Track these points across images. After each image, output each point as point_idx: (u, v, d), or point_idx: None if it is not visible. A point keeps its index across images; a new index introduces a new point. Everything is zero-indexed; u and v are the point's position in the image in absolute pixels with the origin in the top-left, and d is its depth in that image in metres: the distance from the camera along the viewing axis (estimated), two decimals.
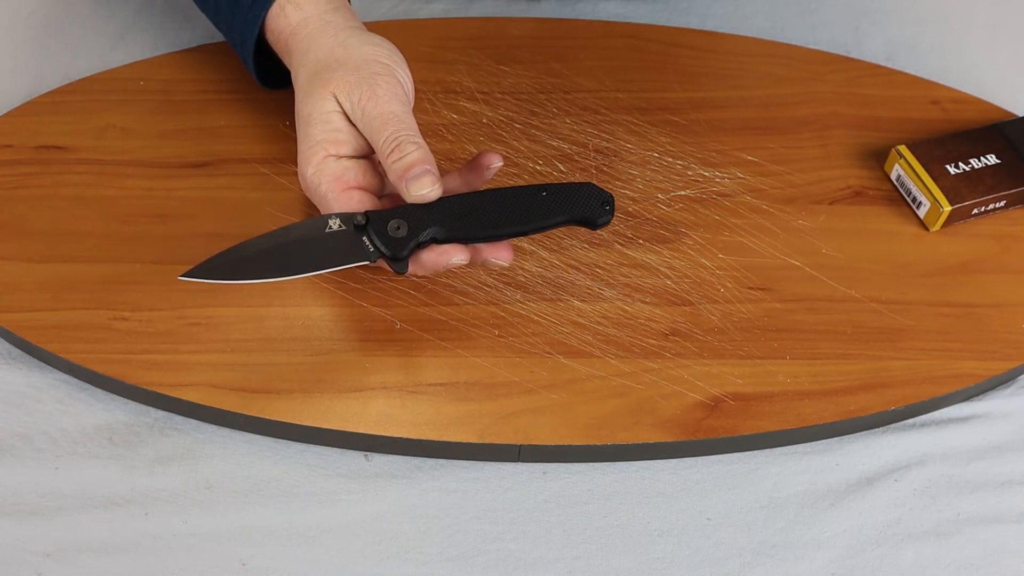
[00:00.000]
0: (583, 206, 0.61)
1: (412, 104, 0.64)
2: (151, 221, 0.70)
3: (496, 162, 0.64)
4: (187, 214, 0.70)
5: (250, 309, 0.66)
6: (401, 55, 0.65)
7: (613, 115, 0.77)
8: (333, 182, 0.62)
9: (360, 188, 0.62)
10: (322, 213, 0.63)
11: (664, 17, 0.87)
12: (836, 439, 0.65)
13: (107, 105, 0.76)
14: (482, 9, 0.87)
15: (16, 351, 0.67)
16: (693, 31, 0.84)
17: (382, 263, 0.61)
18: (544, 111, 0.77)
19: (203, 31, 0.82)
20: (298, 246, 0.60)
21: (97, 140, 0.74)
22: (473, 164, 0.64)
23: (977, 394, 0.68)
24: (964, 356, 0.67)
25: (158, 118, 0.75)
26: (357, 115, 0.62)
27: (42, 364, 0.66)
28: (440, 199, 0.60)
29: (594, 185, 0.62)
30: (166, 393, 0.63)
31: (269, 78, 0.72)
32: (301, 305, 0.66)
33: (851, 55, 0.84)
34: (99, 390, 0.65)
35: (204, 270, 0.60)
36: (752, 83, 0.80)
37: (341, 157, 0.62)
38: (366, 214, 0.60)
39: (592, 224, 0.62)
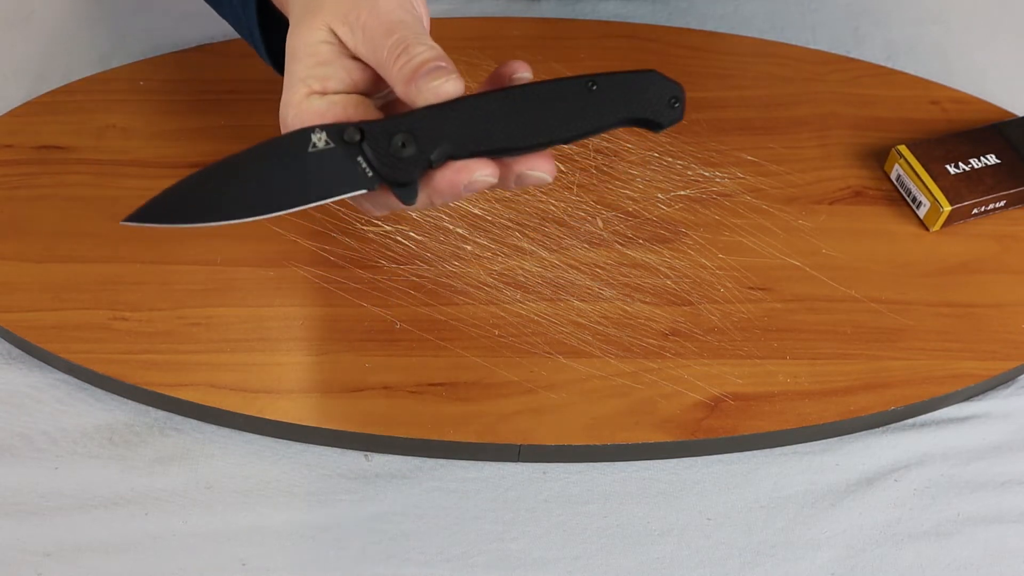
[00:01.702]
0: (644, 102, 0.50)
1: (427, 29, 0.53)
2: None
3: (522, 71, 0.52)
4: None
5: (250, 309, 0.66)
6: None
7: None
8: (316, 120, 0.49)
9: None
10: None
11: (664, 17, 0.87)
12: (836, 439, 0.65)
13: (107, 105, 0.76)
14: (482, 9, 0.87)
15: (16, 351, 0.67)
16: (693, 31, 0.84)
17: (385, 192, 0.49)
18: None
19: (203, 31, 0.82)
20: (273, 173, 0.48)
21: (97, 140, 0.74)
22: (495, 77, 0.53)
23: (977, 394, 0.68)
24: (964, 356, 0.67)
25: (158, 118, 0.75)
26: (358, 38, 0.50)
27: (42, 364, 0.66)
28: (456, 102, 0.48)
29: (658, 74, 0.50)
30: (166, 393, 0.63)
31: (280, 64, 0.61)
32: (301, 305, 0.66)
33: (851, 55, 0.84)
34: (99, 390, 0.65)
35: (150, 213, 0.48)
36: (752, 83, 0.80)
37: (328, 93, 0.50)
38: (360, 127, 0.48)
39: (656, 124, 0.50)
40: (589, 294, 0.68)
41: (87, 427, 0.64)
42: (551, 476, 0.64)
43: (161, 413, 0.65)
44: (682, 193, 0.73)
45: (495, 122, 0.48)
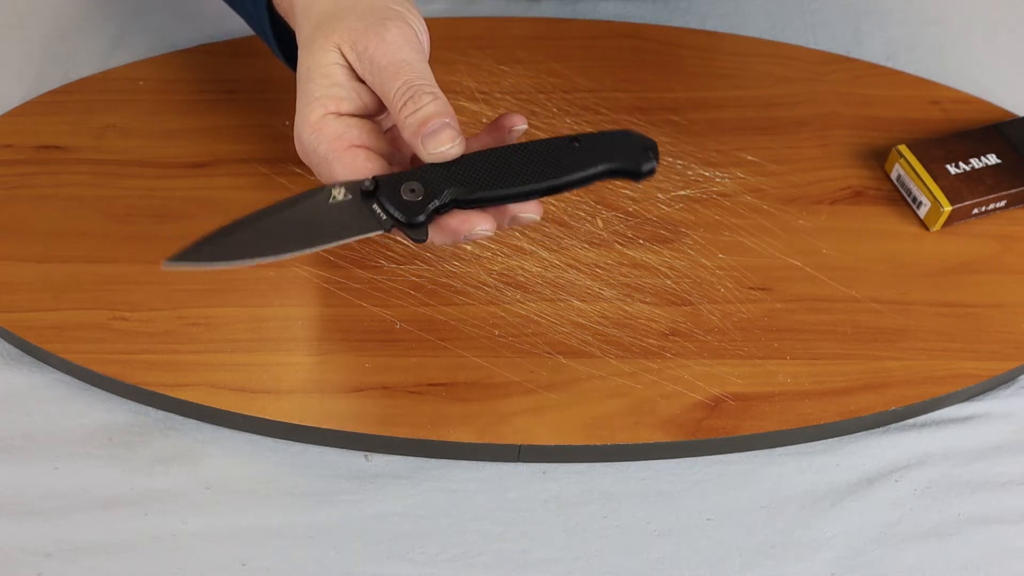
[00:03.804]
0: (622, 154, 0.56)
1: (427, 58, 0.58)
2: (151, 221, 0.70)
3: (519, 124, 0.58)
4: (187, 214, 0.70)
5: (250, 309, 0.66)
6: (416, 8, 0.59)
7: (613, 115, 0.77)
8: (334, 141, 0.55)
9: (366, 148, 0.56)
10: (322, 179, 0.57)
11: (664, 17, 0.87)
12: (836, 439, 0.65)
13: (107, 105, 0.76)
14: (482, 9, 0.87)
15: (16, 351, 0.67)
16: (693, 31, 0.84)
17: (398, 233, 0.56)
18: (544, 111, 0.77)
19: (203, 31, 0.82)
20: (300, 219, 0.54)
21: (97, 140, 0.74)
22: (494, 127, 0.58)
23: (977, 394, 0.68)
24: (964, 356, 0.67)
25: (158, 118, 0.75)
26: (365, 66, 0.55)
27: (42, 364, 0.66)
28: (459, 159, 0.55)
29: (633, 132, 0.57)
30: (166, 393, 0.63)
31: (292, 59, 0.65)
32: (301, 305, 0.66)
33: (851, 55, 0.84)
34: (99, 390, 0.65)
35: (194, 254, 0.54)
36: (752, 83, 0.80)
37: (343, 115, 0.56)
38: (375, 179, 0.54)
39: (635, 174, 0.56)
40: (589, 294, 0.68)
41: (87, 427, 0.64)
42: (551, 476, 0.64)
43: (161, 413, 0.65)
44: (682, 193, 0.73)
45: (493, 175, 0.55)
